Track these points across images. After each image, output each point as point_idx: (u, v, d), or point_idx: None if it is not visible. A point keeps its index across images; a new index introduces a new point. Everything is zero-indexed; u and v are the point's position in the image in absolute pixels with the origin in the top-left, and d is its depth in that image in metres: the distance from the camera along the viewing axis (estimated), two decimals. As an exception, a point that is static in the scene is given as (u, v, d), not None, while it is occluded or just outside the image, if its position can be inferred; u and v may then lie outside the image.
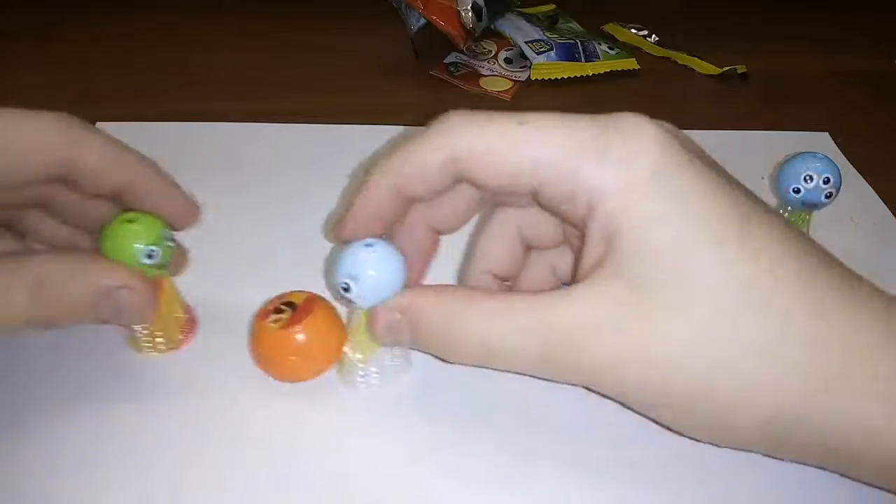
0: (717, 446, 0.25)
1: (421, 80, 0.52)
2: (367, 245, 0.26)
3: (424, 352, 0.27)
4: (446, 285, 0.27)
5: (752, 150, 0.45)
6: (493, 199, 0.28)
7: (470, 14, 0.52)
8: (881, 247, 0.38)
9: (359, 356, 0.29)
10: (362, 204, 0.26)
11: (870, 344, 0.22)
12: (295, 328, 0.27)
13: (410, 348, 0.27)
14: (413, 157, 0.25)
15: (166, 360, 0.30)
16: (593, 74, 0.53)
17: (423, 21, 0.52)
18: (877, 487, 0.24)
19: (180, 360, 0.30)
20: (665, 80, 0.54)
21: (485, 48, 0.55)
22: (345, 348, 0.29)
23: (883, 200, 0.41)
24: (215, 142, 0.44)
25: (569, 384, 0.25)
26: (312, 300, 0.29)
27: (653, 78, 0.54)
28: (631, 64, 0.54)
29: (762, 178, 0.42)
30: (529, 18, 0.57)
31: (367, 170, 0.26)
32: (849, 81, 0.54)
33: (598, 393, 0.24)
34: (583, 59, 0.53)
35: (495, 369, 0.26)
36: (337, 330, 0.29)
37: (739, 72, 0.53)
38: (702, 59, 0.55)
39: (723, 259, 0.22)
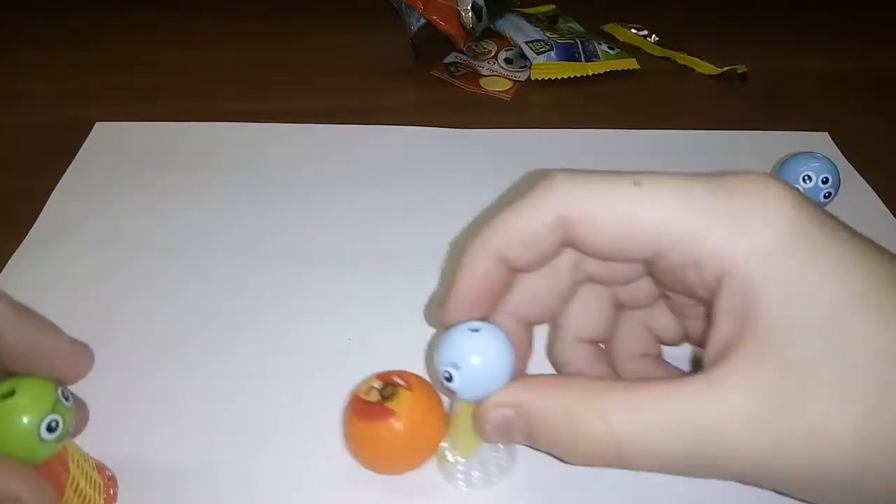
0: None
1: (421, 80, 0.52)
2: (472, 329, 0.23)
3: (540, 451, 0.23)
4: (560, 376, 0.25)
5: (751, 150, 0.45)
6: (592, 277, 0.26)
7: (470, 14, 0.52)
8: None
9: (459, 457, 0.26)
10: (466, 277, 0.24)
11: None
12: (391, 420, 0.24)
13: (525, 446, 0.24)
14: (519, 220, 0.23)
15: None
16: (593, 74, 0.53)
17: (423, 21, 0.52)
18: None
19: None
20: (665, 80, 0.54)
21: (485, 48, 0.55)
22: (443, 444, 0.26)
23: (883, 201, 0.41)
24: (217, 142, 0.44)
25: (715, 480, 0.22)
26: (415, 383, 0.25)
27: (653, 78, 0.54)
28: (631, 64, 0.54)
29: None
30: (529, 18, 0.57)
31: (467, 240, 0.24)
32: (848, 81, 0.54)
33: (768, 489, 0.22)
34: (583, 59, 0.53)
35: (628, 469, 0.22)
36: (438, 413, 0.25)
37: (739, 72, 0.53)
38: (702, 59, 0.55)
39: (883, 326, 0.20)
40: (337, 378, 0.29)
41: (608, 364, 0.27)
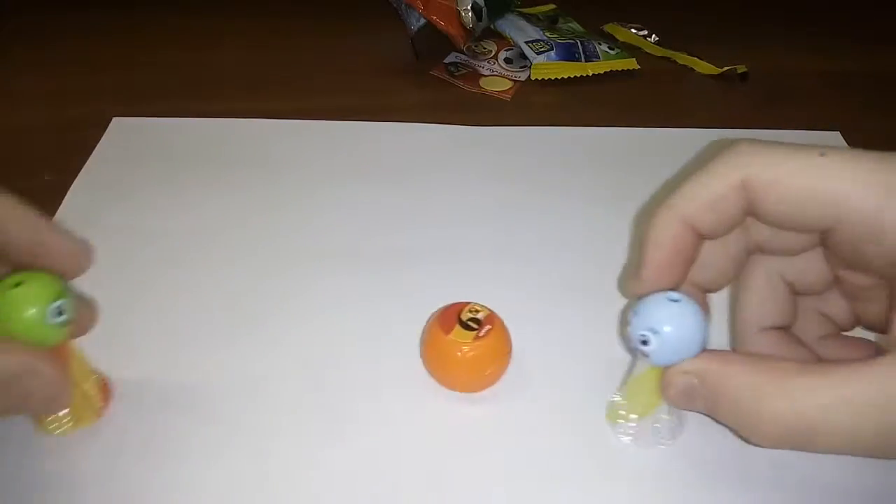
0: None
1: (421, 80, 0.52)
2: (672, 299, 0.24)
3: (721, 424, 0.24)
4: (752, 354, 0.25)
5: None
6: (762, 246, 0.26)
7: (470, 14, 0.52)
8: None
9: (633, 415, 0.27)
10: (655, 245, 0.25)
11: None
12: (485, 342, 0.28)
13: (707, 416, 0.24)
14: (704, 185, 0.24)
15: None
16: (593, 74, 0.53)
17: (423, 21, 0.52)
18: None
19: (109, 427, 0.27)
20: (665, 80, 0.54)
21: (485, 48, 0.55)
22: (617, 397, 0.28)
23: None
24: (231, 137, 0.45)
25: None
26: (492, 315, 0.29)
27: (653, 78, 0.54)
28: (631, 64, 0.54)
29: None
30: (529, 18, 0.57)
31: (653, 210, 0.25)
32: (848, 81, 0.54)
33: None
34: (583, 59, 0.53)
35: (810, 451, 0.22)
36: (507, 342, 0.29)
37: (739, 72, 0.53)
38: (702, 59, 0.55)
39: None
40: (342, 372, 0.29)
41: (797, 346, 0.27)
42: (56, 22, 0.58)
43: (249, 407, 0.29)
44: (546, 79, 0.52)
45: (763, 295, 0.27)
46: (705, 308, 0.27)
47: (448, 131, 0.46)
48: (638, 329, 0.24)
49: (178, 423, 0.28)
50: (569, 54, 0.53)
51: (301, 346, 0.31)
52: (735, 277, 0.27)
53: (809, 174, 0.22)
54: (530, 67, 0.53)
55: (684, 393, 0.24)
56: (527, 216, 0.39)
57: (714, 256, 0.26)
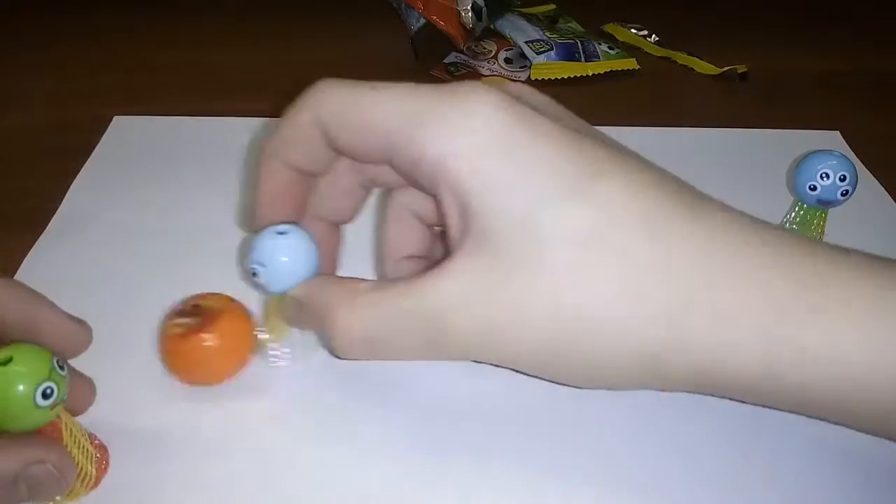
0: (610, 390, 0.26)
1: (421, 80, 0.51)
2: (279, 232, 0.26)
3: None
4: (336, 277, 0.28)
5: (762, 149, 0.46)
6: (374, 180, 0.28)
7: (470, 14, 0.52)
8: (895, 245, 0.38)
9: (270, 337, 0.29)
10: (262, 185, 0.27)
11: (706, 269, 0.22)
12: (200, 336, 0.27)
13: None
14: (286, 123, 0.26)
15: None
16: (593, 74, 0.53)
17: (423, 21, 0.52)
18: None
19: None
20: (665, 80, 0.54)
21: (485, 48, 0.55)
22: (259, 329, 0.30)
23: (893, 199, 0.41)
24: (233, 136, 0.44)
25: (456, 361, 0.26)
26: (222, 305, 0.28)
27: (653, 78, 0.54)
28: (631, 64, 0.54)
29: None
30: (529, 18, 0.57)
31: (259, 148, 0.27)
32: (849, 81, 0.54)
33: (491, 364, 0.25)
34: (583, 59, 0.53)
35: (379, 360, 0.26)
36: (246, 334, 0.28)
37: (739, 72, 0.53)
38: (702, 59, 0.55)
39: (567, 214, 0.22)
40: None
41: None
42: (56, 22, 0.58)
43: (250, 406, 0.29)
44: (546, 79, 0.52)
45: (397, 227, 0.29)
46: (330, 239, 0.30)
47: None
48: (250, 263, 0.26)
49: (181, 422, 0.28)
50: (569, 54, 0.53)
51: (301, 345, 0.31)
52: (358, 209, 0.29)
53: (363, 106, 0.24)
54: (530, 67, 0.53)
55: (296, 315, 0.27)
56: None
57: (330, 191, 0.28)
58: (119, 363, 0.30)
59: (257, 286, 0.27)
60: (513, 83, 0.25)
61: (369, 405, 0.28)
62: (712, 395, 0.25)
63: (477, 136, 0.23)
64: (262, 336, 0.29)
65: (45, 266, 0.35)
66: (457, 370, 0.28)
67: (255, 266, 0.26)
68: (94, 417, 0.28)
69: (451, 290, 0.23)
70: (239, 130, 0.45)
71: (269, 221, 0.27)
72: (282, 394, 0.29)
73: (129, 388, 0.29)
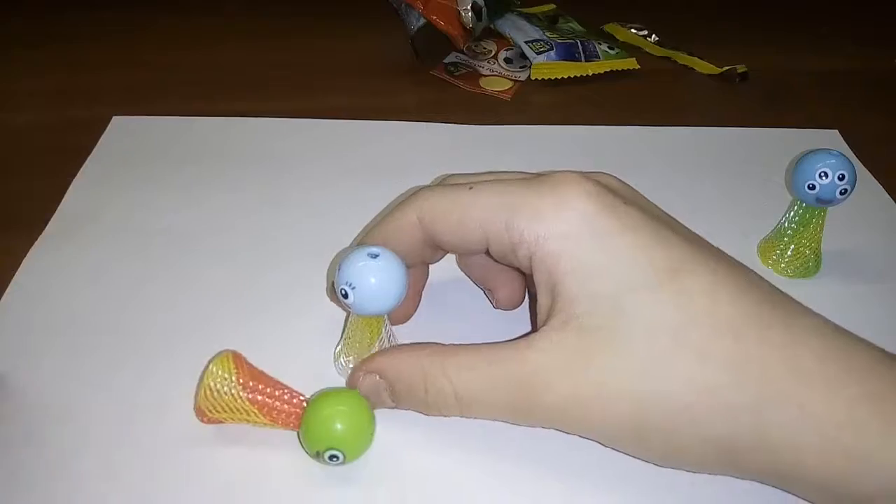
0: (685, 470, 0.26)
1: (421, 80, 0.52)
2: (371, 254, 0.26)
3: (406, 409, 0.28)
4: (418, 344, 0.28)
5: (761, 148, 0.46)
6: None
7: (470, 14, 0.52)
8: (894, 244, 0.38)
9: (349, 358, 0.29)
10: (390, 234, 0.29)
11: (790, 370, 0.23)
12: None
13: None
14: (391, 221, 0.29)
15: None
16: (593, 74, 0.53)
17: (423, 21, 0.52)
18: None
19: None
20: (665, 80, 0.54)
21: (485, 48, 0.55)
22: (338, 347, 0.30)
23: (893, 198, 0.41)
24: (231, 136, 0.45)
25: (540, 427, 0.27)
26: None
27: (653, 78, 0.54)
28: (631, 64, 0.54)
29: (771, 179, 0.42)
30: (529, 18, 0.57)
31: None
32: (849, 81, 0.54)
33: (564, 431, 0.26)
34: (583, 59, 0.53)
35: (470, 418, 0.27)
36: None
37: (739, 72, 0.53)
38: (702, 59, 0.55)
39: (651, 305, 0.24)
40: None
41: None
42: (56, 22, 0.58)
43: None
44: (546, 79, 0.52)
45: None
46: (420, 276, 0.32)
47: (448, 131, 0.46)
48: (339, 284, 0.26)
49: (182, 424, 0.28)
50: (569, 54, 0.53)
51: (302, 345, 0.31)
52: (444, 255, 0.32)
53: (461, 206, 0.27)
54: (530, 67, 0.53)
55: (371, 391, 0.27)
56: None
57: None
58: (119, 363, 0.30)
59: (344, 307, 0.27)
60: (601, 174, 0.28)
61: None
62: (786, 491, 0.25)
63: (568, 224, 0.25)
64: (341, 350, 0.30)
65: (44, 266, 0.35)
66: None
67: (344, 287, 0.26)
68: (97, 413, 0.28)
69: (541, 360, 0.25)
70: (239, 130, 0.45)
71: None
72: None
73: (128, 388, 0.29)
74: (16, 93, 0.50)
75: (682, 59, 0.56)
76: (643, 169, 0.42)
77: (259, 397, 0.26)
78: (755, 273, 0.26)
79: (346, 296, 0.26)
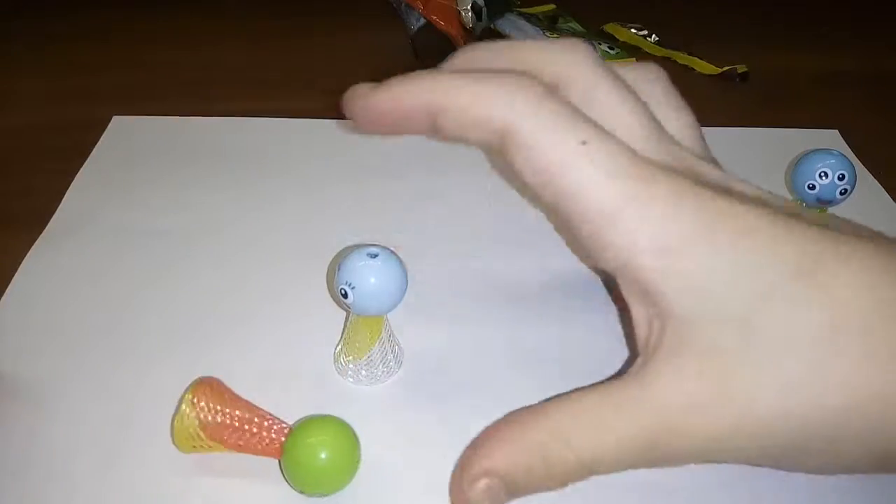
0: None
1: (421, 80, 0.52)
2: (370, 254, 0.26)
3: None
4: (518, 415, 0.24)
5: (761, 148, 0.46)
6: None
7: (470, 14, 0.52)
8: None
9: (349, 358, 0.29)
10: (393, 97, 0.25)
11: None
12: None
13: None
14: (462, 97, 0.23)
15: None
16: (593, 74, 0.53)
17: (423, 21, 0.52)
18: None
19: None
20: (665, 80, 0.54)
21: (485, 48, 0.55)
22: (338, 347, 0.30)
23: (893, 199, 0.41)
24: (232, 136, 0.45)
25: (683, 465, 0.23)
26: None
27: (653, 78, 0.54)
28: (631, 64, 0.54)
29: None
30: (529, 18, 0.57)
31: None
32: (849, 81, 0.54)
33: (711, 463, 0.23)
34: (583, 59, 0.53)
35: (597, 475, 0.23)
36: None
37: (739, 72, 0.53)
38: (702, 59, 0.55)
39: (788, 315, 0.21)
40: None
41: None
42: (56, 22, 0.58)
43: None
44: (546, 79, 0.52)
45: None
46: None
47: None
48: (338, 284, 0.26)
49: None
50: (569, 54, 0.53)
51: (302, 344, 0.31)
52: None
53: (566, 163, 0.22)
54: (530, 67, 0.52)
55: (489, 497, 0.23)
56: (527, 214, 0.39)
57: None
58: (119, 363, 0.30)
59: (344, 307, 0.27)
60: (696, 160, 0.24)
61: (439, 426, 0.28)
62: None
63: (672, 235, 0.21)
64: (342, 354, 0.30)
65: (44, 266, 0.35)
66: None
67: (343, 287, 0.26)
68: (96, 413, 0.28)
69: (670, 398, 0.21)
70: (239, 130, 0.45)
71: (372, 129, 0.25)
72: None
73: (128, 388, 0.29)
74: (16, 93, 0.50)
75: (682, 59, 0.56)
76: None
77: (229, 437, 0.25)
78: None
79: (345, 296, 0.26)
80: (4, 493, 0.25)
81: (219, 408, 0.25)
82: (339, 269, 0.26)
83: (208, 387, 0.25)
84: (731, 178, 0.24)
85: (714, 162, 0.27)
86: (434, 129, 0.24)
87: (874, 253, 0.21)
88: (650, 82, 0.28)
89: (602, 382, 0.23)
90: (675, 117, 0.27)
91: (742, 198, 0.22)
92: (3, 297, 0.33)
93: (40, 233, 0.36)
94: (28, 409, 0.28)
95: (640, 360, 0.23)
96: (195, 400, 0.25)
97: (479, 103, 0.23)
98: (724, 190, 0.22)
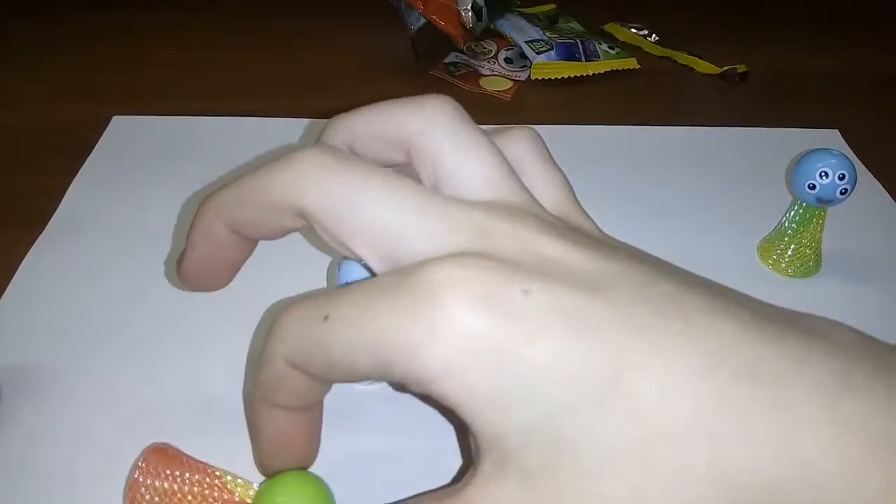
0: None
1: (421, 80, 0.52)
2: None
3: None
4: None
5: (761, 147, 0.46)
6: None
7: (470, 14, 0.52)
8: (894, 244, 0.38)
9: None
10: (262, 436, 0.23)
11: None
12: None
13: None
14: (264, 370, 0.21)
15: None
16: (593, 74, 0.53)
17: (423, 21, 0.52)
18: None
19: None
20: (665, 80, 0.54)
21: (485, 48, 0.55)
22: None
23: (894, 199, 0.41)
24: (232, 135, 0.45)
25: None
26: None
27: (653, 78, 0.54)
28: (631, 64, 0.54)
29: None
30: (529, 18, 0.57)
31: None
32: (849, 81, 0.54)
33: None
34: (583, 59, 0.53)
35: None
36: None
37: (739, 71, 0.53)
38: (702, 59, 0.55)
39: (603, 422, 0.18)
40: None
41: None
42: (56, 22, 0.58)
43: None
44: (546, 78, 0.52)
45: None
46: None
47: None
48: (338, 284, 0.26)
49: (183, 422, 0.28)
50: (569, 54, 0.53)
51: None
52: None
53: (328, 347, 0.20)
54: (530, 67, 0.53)
55: None
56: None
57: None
58: (119, 363, 0.30)
59: None
60: (495, 218, 0.20)
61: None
62: None
63: (454, 352, 0.18)
64: None
65: (44, 266, 0.35)
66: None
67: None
68: (96, 413, 0.28)
69: None
70: (239, 130, 0.45)
71: (280, 468, 0.23)
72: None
73: (128, 387, 0.29)
74: (16, 93, 0.50)
75: (682, 58, 0.56)
76: (643, 169, 0.43)
77: None
78: (732, 309, 0.19)
79: None
80: (4, 493, 0.25)
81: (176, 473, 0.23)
82: (339, 269, 0.26)
83: (162, 454, 0.23)
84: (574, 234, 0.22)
85: (591, 221, 0.25)
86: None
87: (693, 331, 0.18)
88: (519, 143, 0.26)
89: (440, 489, 0.21)
90: (543, 176, 0.26)
91: (526, 275, 0.19)
92: (4, 297, 0.33)
93: (40, 233, 0.36)
94: (28, 409, 0.28)
95: (469, 471, 0.21)
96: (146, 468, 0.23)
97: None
98: (502, 268, 0.19)
